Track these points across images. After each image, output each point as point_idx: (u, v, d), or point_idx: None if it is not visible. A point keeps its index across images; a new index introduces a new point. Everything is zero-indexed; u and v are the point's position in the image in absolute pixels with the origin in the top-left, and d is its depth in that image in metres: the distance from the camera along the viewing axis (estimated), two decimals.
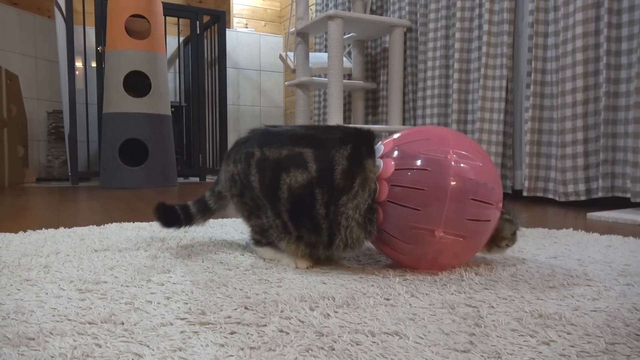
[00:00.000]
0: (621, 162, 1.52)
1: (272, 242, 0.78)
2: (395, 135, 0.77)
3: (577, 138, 1.59)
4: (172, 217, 0.91)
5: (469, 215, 0.68)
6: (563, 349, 0.45)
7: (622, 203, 1.63)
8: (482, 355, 0.43)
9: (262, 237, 0.80)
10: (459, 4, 2.03)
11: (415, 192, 0.69)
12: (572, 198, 1.60)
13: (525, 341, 0.47)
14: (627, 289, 0.64)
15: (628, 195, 1.48)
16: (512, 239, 0.77)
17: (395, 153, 0.72)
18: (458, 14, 2.03)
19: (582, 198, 1.59)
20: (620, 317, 0.53)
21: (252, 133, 0.82)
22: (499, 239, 0.75)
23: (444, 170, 0.68)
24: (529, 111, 1.73)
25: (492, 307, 0.57)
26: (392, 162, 0.72)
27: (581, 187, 1.59)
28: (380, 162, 0.73)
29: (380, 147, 0.76)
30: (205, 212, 0.90)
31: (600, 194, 1.54)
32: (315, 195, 0.72)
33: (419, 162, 0.70)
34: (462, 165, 0.69)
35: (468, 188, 0.68)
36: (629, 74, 1.50)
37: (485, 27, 1.90)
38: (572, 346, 0.45)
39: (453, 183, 0.68)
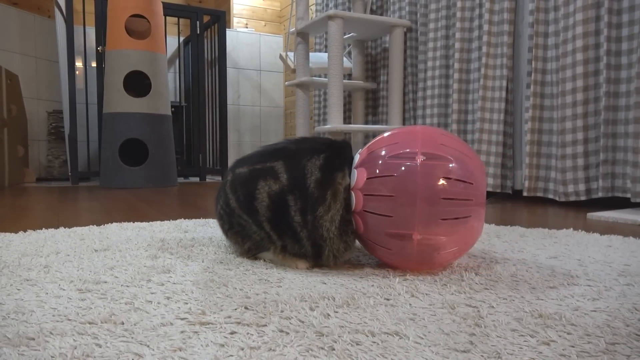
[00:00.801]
0: (621, 162, 1.52)
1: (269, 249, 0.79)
2: (370, 143, 0.76)
3: (577, 138, 1.59)
4: None
5: (444, 215, 0.67)
6: (563, 349, 0.45)
7: (622, 203, 1.63)
8: (482, 355, 0.43)
9: (260, 249, 0.80)
10: (459, 4, 2.03)
11: (386, 199, 0.69)
12: (572, 198, 1.60)
13: (525, 341, 0.47)
14: (627, 289, 0.64)
15: (628, 195, 1.48)
16: None
17: (367, 162, 0.72)
18: (458, 14, 2.03)
19: (582, 198, 1.59)
20: (621, 317, 0.53)
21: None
22: None
23: (410, 174, 0.68)
24: (529, 111, 1.73)
25: (492, 307, 0.57)
26: (365, 172, 0.72)
27: (581, 187, 1.59)
28: (354, 173, 0.73)
29: (357, 157, 0.76)
30: None
31: (600, 194, 1.54)
32: (288, 202, 0.72)
33: (386, 169, 0.70)
34: (430, 165, 0.68)
35: (438, 188, 0.67)
36: (629, 74, 1.50)
37: (486, 27, 1.90)
38: (572, 346, 0.45)
39: (420, 185, 0.67)
